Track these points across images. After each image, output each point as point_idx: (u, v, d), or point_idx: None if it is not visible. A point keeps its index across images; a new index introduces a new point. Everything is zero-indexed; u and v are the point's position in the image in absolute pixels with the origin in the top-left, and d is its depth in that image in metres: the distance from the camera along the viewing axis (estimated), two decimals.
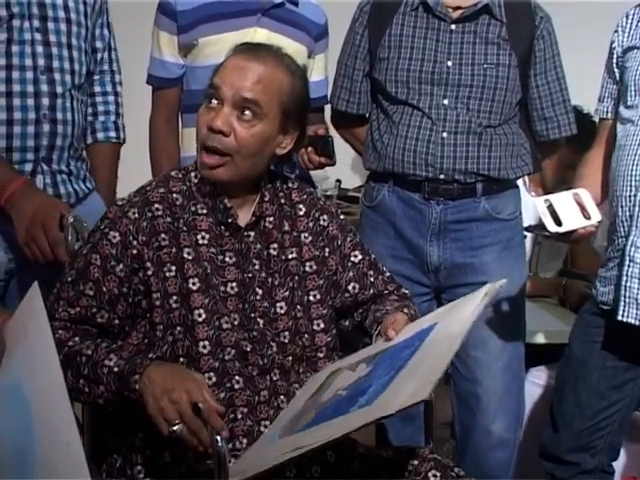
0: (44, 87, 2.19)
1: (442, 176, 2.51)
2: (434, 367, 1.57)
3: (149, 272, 1.82)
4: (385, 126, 2.57)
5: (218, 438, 1.62)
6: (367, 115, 2.69)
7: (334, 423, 1.59)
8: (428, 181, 2.52)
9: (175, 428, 1.60)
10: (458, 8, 2.50)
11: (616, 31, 2.34)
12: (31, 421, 1.47)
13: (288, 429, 1.70)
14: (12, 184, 2.08)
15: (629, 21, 2.31)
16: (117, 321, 1.83)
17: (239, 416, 1.82)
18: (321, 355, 1.94)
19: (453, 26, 2.50)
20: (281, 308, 1.91)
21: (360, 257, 2.04)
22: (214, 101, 1.83)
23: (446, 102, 2.49)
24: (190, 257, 1.84)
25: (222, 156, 1.83)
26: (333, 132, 2.59)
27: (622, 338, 2.23)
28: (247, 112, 1.82)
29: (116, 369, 1.69)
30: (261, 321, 1.88)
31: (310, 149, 2.47)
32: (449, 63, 2.49)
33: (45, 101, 2.19)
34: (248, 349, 1.85)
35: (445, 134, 2.50)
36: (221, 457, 1.62)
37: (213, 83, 1.84)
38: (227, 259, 1.88)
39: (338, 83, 2.69)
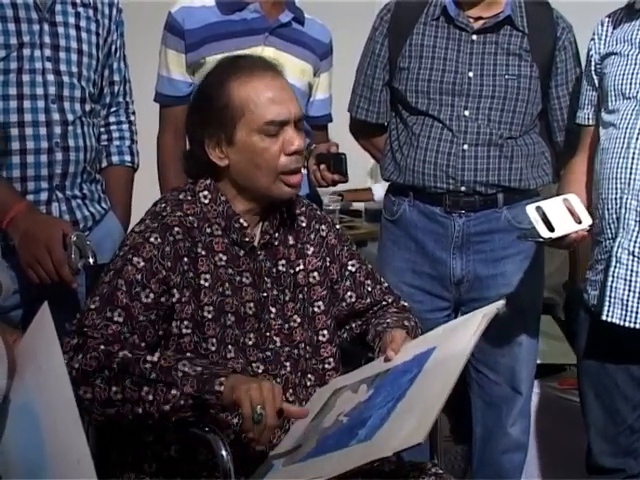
0: (55, 116, 2.16)
1: (463, 188, 2.49)
2: (430, 405, 1.56)
3: (174, 299, 1.78)
4: (405, 137, 2.55)
5: (224, 454, 1.62)
6: (386, 124, 2.67)
7: (335, 456, 1.60)
8: (449, 194, 2.50)
9: (259, 410, 1.57)
10: (480, 18, 2.47)
11: (592, 39, 2.33)
12: (42, 439, 1.47)
13: (291, 457, 1.70)
14: (14, 207, 2.06)
15: (604, 28, 2.31)
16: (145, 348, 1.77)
17: None
18: (328, 367, 1.93)
19: (474, 36, 2.47)
20: (294, 321, 1.90)
21: (357, 266, 2.03)
22: (272, 127, 1.82)
23: (467, 113, 2.47)
24: (206, 284, 1.81)
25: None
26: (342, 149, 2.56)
27: (622, 339, 2.20)
28: (298, 124, 1.86)
29: (193, 373, 1.63)
30: (277, 339, 1.87)
31: (323, 167, 2.45)
32: (470, 74, 2.47)
33: (57, 129, 2.16)
34: (260, 371, 1.83)
35: (466, 146, 2.47)
36: (227, 474, 1.62)
37: (272, 120, 1.82)
38: (244, 279, 1.86)
39: (357, 92, 2.67)
